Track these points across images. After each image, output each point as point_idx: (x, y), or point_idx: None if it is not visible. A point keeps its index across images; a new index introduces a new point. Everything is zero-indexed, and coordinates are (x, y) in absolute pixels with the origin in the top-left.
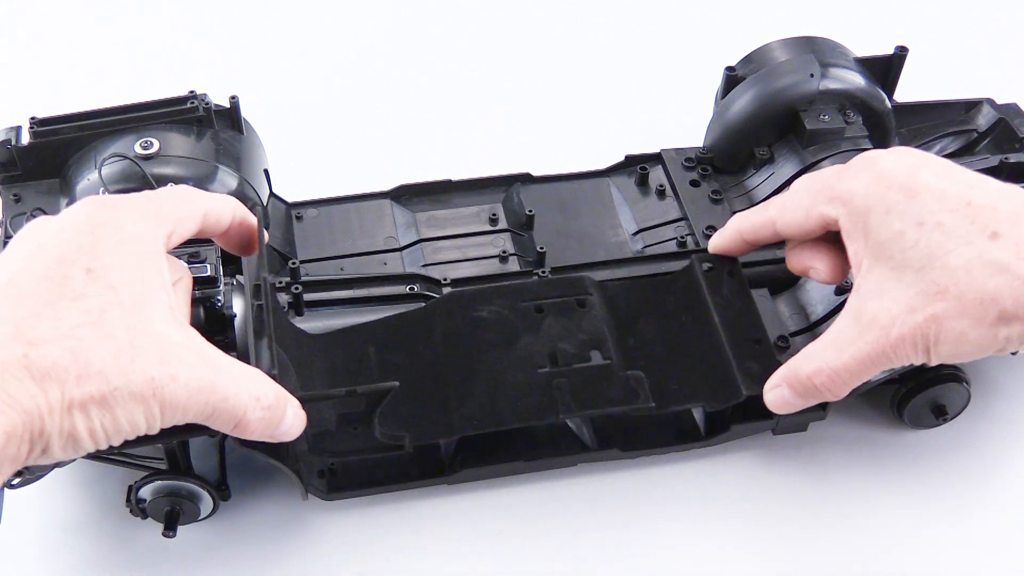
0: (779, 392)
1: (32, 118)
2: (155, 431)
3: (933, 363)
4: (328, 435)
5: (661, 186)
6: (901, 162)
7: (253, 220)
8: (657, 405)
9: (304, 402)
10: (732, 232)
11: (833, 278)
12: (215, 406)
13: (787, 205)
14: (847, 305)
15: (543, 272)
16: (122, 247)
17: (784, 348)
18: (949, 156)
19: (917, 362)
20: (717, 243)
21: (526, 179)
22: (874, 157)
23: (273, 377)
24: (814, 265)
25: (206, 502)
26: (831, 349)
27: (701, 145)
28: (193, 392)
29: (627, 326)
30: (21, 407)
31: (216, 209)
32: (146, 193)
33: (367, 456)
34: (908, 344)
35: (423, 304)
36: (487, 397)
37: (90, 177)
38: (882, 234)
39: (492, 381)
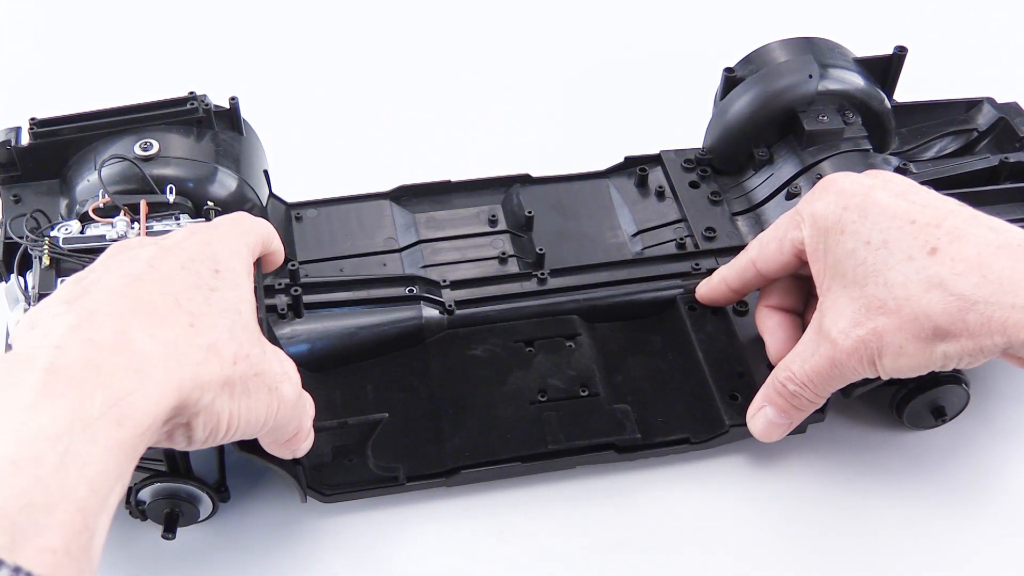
0: (762, 415)
1: (32, 119)
2: (265, 431)
3: (883, 377)
4: (324, 468)
5: (660, 187)
6: (859, 183)
7: (281, 251)
8: (642, 436)
9: None
10: (718, 281)
11: (776, 358)
12: (300, 409)
13: (763, 240)
14: (812, 320)
15: (542, 274)
16: (233, 260)
17: None
18: (949, 156)
19: (867, 375)
20: (704, 292)
21: (525, 180)
22: (835, 178)
23: None
24: (766, 339)
25: (205, 504)
26: (797, 360)
27: (700, 146)
28: (296, 393)
29: (615, 364)
30: (189, 375)
31: (265, 239)
32: (234, 216)
33: (363, 489)
34: (855, 357)
35: (420, 342)
36: (479, 429)
37: (90, 178)
38: (838, 253)
39: (484, 414)
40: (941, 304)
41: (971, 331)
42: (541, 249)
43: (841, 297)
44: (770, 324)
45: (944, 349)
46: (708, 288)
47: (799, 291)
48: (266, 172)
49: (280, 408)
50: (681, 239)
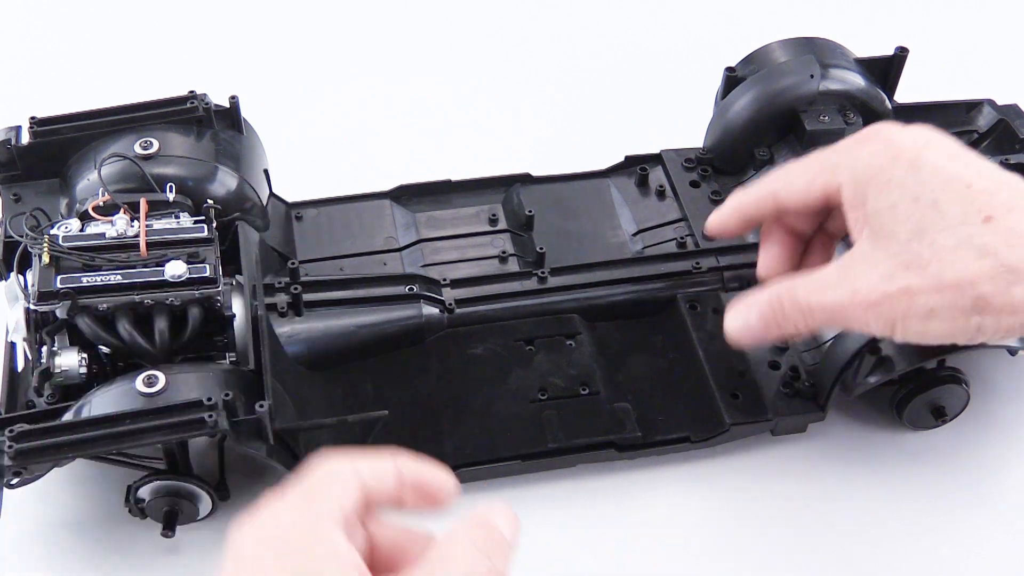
0: (743, 315)
1: (32, 118)
2: None
3: (898, 339)
4: None
5: (661, 187)
6: (912, 137)
7: (427, 476)
8: (643, 435)
9: (297, 431)
10: (730, 209)
11: (764, 272)
12: None
13: (791, 175)
14: (840, 258)
15: (542, 273)
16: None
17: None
18: None
19: (878, 334)
20: (714, 220)
21: (526, 179)
22: (886, 128)
23: None
24: (762, 250)
25: (205, 502)
26: (807, 287)
27: (701, 146)
28: None
29: (615, 363)
30: None
31: (375, 473)
32: (315, 511)
33: None
34: (874, 311)
35: (421, 340)
36: (479, 428)
37: (90, 177)
38: (879, 203)
39: (484, 413)
40: (990, 273)
41: (1015, 306)
42: (541, 248)
43: (876, 249)
44: (773, 237)
45: (980, 321)
46: (720, 217)
47: (813, 218)
48: (266, 171)
49: None
50: (682, 238)
